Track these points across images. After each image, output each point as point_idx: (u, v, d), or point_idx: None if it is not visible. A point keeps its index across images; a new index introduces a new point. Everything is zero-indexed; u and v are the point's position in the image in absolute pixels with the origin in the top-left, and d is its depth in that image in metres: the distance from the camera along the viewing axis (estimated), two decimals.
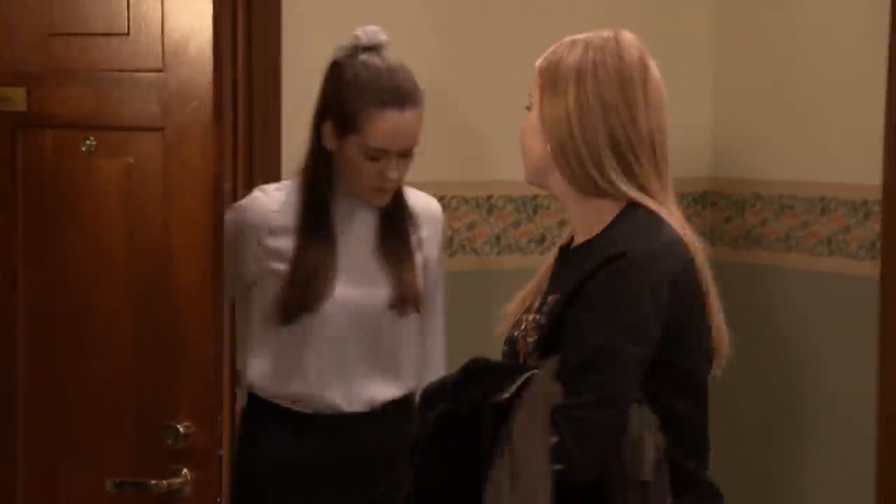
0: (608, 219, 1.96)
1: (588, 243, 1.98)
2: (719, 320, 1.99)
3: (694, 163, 3.68)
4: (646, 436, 1.87)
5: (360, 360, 2.48)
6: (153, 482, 2.32)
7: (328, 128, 2.40)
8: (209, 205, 2.32)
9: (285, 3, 3.08)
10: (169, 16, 2.34)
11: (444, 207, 3.40)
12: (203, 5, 2.30)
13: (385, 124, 2.35)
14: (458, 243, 3.44)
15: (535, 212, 3.53)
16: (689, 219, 3.65)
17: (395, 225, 2.50)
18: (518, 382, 1.91)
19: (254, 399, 2.56)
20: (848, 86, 3.29)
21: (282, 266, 2.44)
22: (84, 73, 2.42)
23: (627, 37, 2.01)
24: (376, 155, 2.36)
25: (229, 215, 2.43)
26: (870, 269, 3.22)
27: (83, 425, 2.47)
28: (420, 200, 2.59)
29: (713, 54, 3.66)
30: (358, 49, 2.39)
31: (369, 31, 2.39)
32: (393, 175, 2.38)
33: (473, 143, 3.45)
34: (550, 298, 1.97)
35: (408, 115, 2.37)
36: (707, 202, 3.71)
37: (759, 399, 3.48)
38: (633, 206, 1.95)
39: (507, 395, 1.89)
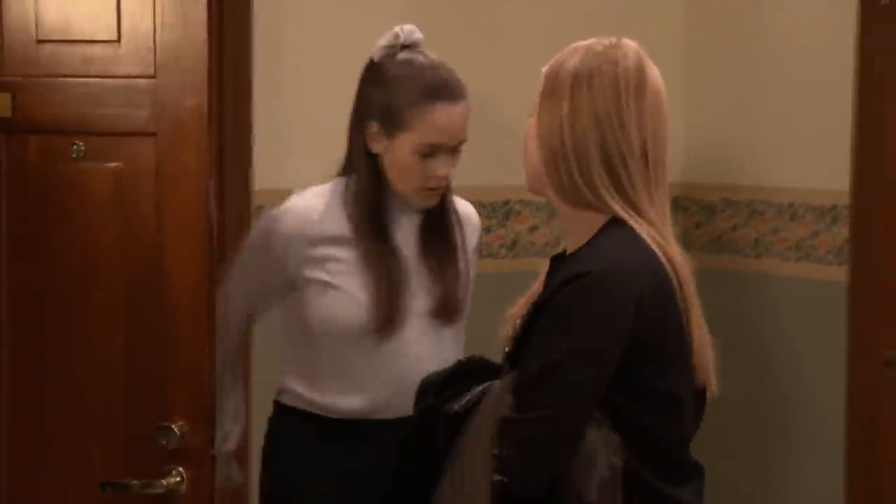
0: (592, 232, 1.93)
1: (570, 256, 1.96)
2: (701, 338, 1.93)
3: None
4: (598, 456, 1.84)
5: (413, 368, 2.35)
6: (148, 482, 2.34)
7: (373, 130, 2.31)
8: (203, 207, 2.33)
9: (256, 5, 3.08)
10: (161, 24, 2.38)
11: None
12: (196, 13, 2.34)
13: (438, 118, 2.29)
14: None
15: (506, 217, 3.54)
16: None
17: (440, 229, 2.42)
18: (475, 392, 1.91)
19: (287, 410, 2.42)
20: (816, 93, 3.31)
21: (325, 276, 2.32)
22: (72, 79, 2.44)
23: (628, 43, 1.98)
24: (430, 151, 2.29)
25: (263, 225, 2.40)
26: (838, 273, 3.24)
27: (74, 428, 2.47)
28: (461, 205, 2.52)
29: (683, 61, 3.68)
30: (397, 47, 2.32)
31: (407, 30, 2.33)
32: (443, 172, 2.32)
33: None
34: (530, 308, 1.95)
35: (459, 108, 2.32)
36: (678, 207, 3.73)
37: (728, 401, 3.48)
38: (615, 221, 1.91)
39: (461, 404, 1.91)
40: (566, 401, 1.84)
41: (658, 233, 1.91)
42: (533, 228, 3.58)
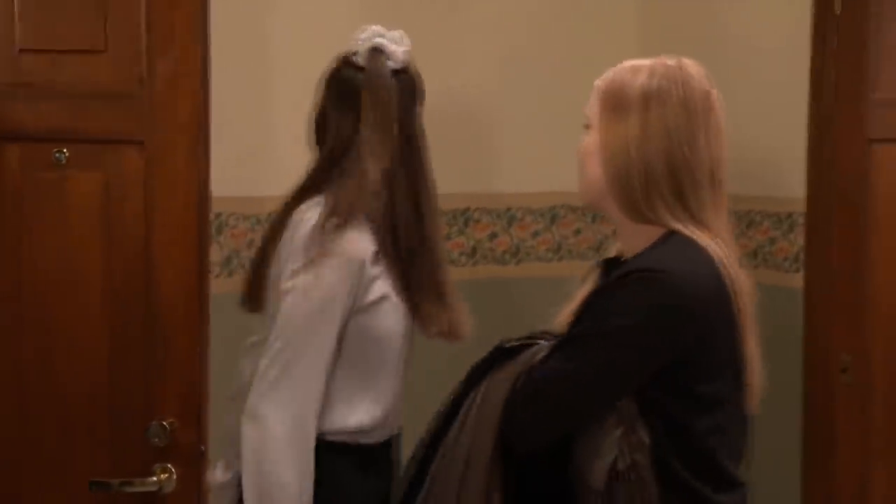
0: (652, 239, 1.94)
1: (629, 259, 1.97)
2: (753, 353, 1.95)
3: None
4: (607, 446, 1.87)
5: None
6: (139, 480, 2.37)
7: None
8: (194, 211, 2.38)
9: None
10: (151, 33, 2.43)
11: None
12: (184, 22, 2.40)
13: None
14: None
15: (466, 224, 3.55)
16: (611, 232, 3.74)
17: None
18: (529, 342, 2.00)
19: (337, 448, 2.27)
20: (772, 101, 3.34)
21: (385, 288, 2.25)
22: (57, 87, 2.47)
23: (691, 64, 1.99)
24: None
25: (342, 259, 2.19)
26: (795, 280, 3.27)
27: (58, 429, 2.50)
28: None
29: None
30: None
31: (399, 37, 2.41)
32: None
33: None
34: (586, 297, 1.98)
35: None
36: None
37: None
38: (675, 232, 1.93)
39: (514, 342, 2.00)
40: (589, 370, 1.88)
41: (719, 247, 1.92)
42: (493, 236, 3.60)
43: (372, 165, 2.23)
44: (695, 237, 1.92)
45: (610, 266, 2.04)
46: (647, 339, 1.86)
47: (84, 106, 2.47)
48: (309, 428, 2.17)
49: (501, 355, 2.01)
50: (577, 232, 3.71)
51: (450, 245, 3.52)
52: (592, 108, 2.01)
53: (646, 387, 1.88)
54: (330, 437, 2.24)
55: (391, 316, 2.26)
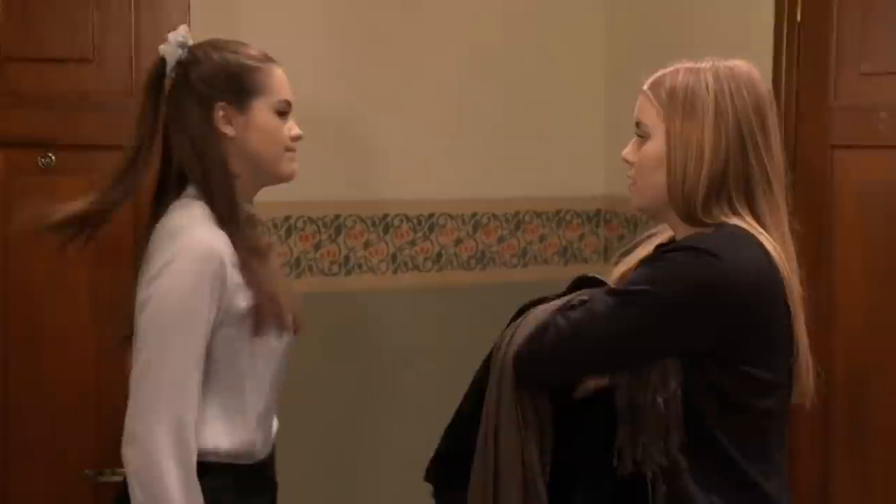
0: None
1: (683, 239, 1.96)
2: (804, 347, 1.94)
3: (588, 181, 3.73)
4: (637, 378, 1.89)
5: (276, 391, 2.29)
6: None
7: (223, 112, 2.17)
8: None
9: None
10: (139, 44, 2.59)
11: (341, 227, 3.41)
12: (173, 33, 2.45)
13: (278, 77, 2.22)
14: (354, 262, 3.44)
15: (431, 230, 3.55)
16: (582, 236, 3.77)
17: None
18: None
19: (213, 468, 2.15)
20: None
21: (243, 302, 2.14)
22: (43, 95, 2.58)
23: (743, 64, 1.96)
24: (284, 109, 2.22)
25: (198, 254, 2.08)
26: None
27: (44, 423, 2.64)
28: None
29: (604, 76, 3.72)
30: (187, 43, 2.21)
31: (183, 29, 2.22)
32: (298, 130, 2.25)
33: (369, 163, 3.46)
34: (637, 263, 1.99)
35: (281, 70, 2.26)
36: (601, 220, 3.77)
37: None
38: (727, 224, 1.91)
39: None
40: (609, 324, 1.87)
41: (774, 240, 1.91)
42: (457, 241, 3.60)
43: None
44: (750, 228, 1.90)
45: (657, 250, 2.03)
46: (682, 311, 1.84)
47: (70, 113, 2.59)
48: (191, 440, 2.07)
49: (566, 290, 2.02)
50: (542, 238, 3.72)
51: (415, 251, 3.52)
52: (648, 114, 1.96)
53: (702, 368, 1.87)
54: (204, 458, 2.12)
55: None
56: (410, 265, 3.52)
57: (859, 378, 3.03)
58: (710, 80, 1.91)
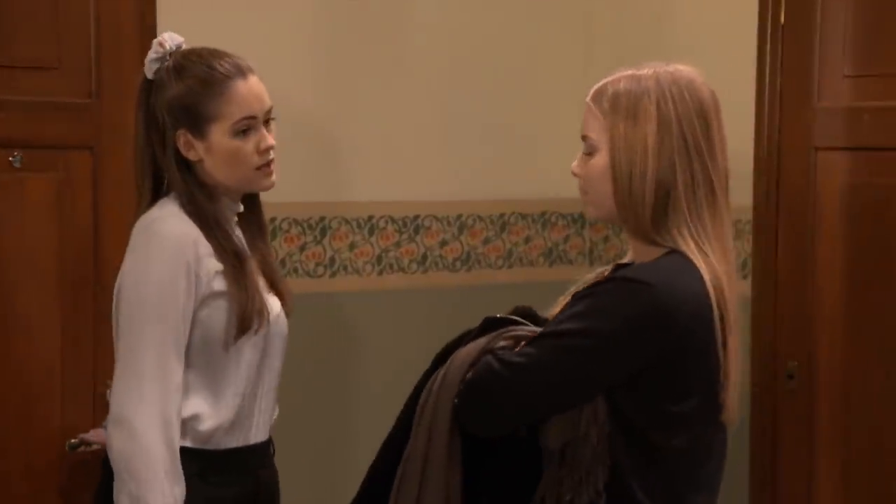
0: (653, 256, 1.89)
1: (630, 266, 1.93)
2: (731, 368, 1.89)
3: (573, 183, 3.73)
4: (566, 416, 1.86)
5: (276, 378, 2.33)
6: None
7: (184, 138, 2.21)
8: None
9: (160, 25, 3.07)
10: (99, 51, 2.90)
11: (326, 228, 3.41)
12: (130, 44, 2.89)
13: (239, 95, 2.20)
14: (339, 263, 3.44)
15: (416, 232, 3.55)
16: (567, 238, 3.77)
17: (259, 225, 2.36)
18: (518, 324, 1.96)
19: (193, 455, 2.19)
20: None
21: (223, 286, 2.19)
22: (13, 99, 2.83)
23: (688, 69, 1.93)
24: (246, 126, 2.20)
25: (170, 242, 2.15)
26: (742, 287, 3.29)
27: (15, 400, 2.87)
28: None
29: (587, 78, 3.72)
30: (166, 56, 2.23)
31: (168, 36, 2.24)
32: (270, 141, 2.23)
33: (355, 165, 3.46)
34: (574, 294, 1.94)
35: (253, 80, 2.22)
36: (586, 222, 3.78)
37: None
38: (676, 251, 1.87)
39: (501, 315, 1.97)
40: (552, 367, 1.84)
41: (716, 264, 1.87)
42: (443, 243, 3.60)
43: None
44: (693, 257, 1.86)
45: (618, 269, 2.00)
46: (619, 346, 1.82)
47: (38, 115, 2.85)
48: (175, 422, 2.12)
49: (482, 325, 1.98)
50: (527, 240, 3.73)
51: (400, 252, 3.52)
52: (593, 127, 1.92)
53: (616, 397, 1.85)
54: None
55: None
56: (396, 267, 3.52)
57: (841, 376, 3.04)
58: (652, 85, 1.88)
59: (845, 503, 3.04)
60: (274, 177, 2.27)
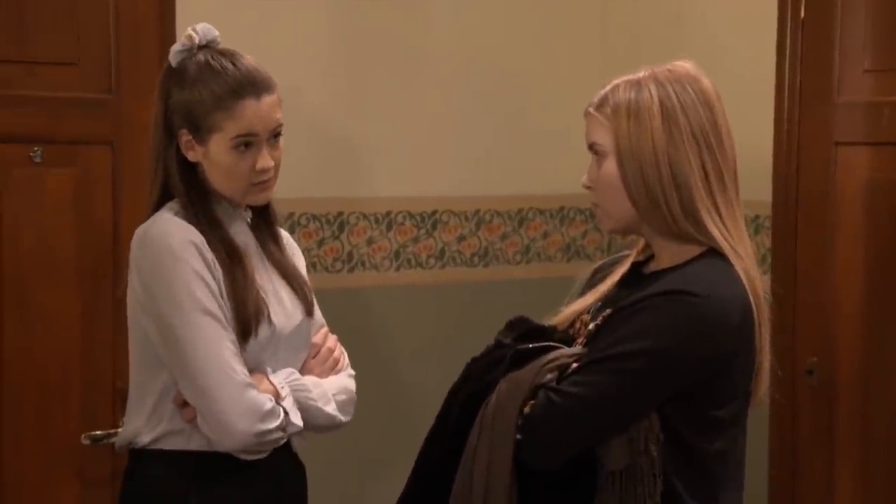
0: (688, 256, 1.91)
1: (663, 272, 1.93)
2: (765, 364, 1.93)
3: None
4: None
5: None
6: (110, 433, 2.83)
7: (185, 138, 2.20)
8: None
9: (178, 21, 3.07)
10: (120, 47, 2.92)
11: (344, 224, 3.42)
12: (149, 41, 2.93)
13: (246, 114, 2.17)
14: (357, 259, 3.44)
15: (434, 227, 3.55)
16: (585, 233, 3.77)
17: (270, 231, 2.34)
18: (545, 346, 1.92)
19: (213, 458, 2.19)
20: (737, 104, 3.34)
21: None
22: (32, 95, 2.87)
23: (684, 64, 1.95)
24: (246, 142, 2.17)
25: (178, 239, 2.15)
26: (763, 283, 3.28)
27: (33, 394, 2.89)
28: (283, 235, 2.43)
29: (604, 73, 3.72)
30: (193, 49, 2.20)
31: (201, 28, 2.21)
32: (266, 163, 2.19)
33: (373, 161, 3.46)
34: (608, 311, 1.93)
35: (266, 101, 2.18)
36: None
37: None
38: (712, 250, 1.89)
39: (531, 346, 1.92)
40: (616, 392, 1.83)
41: (746, 262, 1.90)
42: (460, 239, 3.60)
43: None
44: (729, 256, 1.88)
45: (637, 268, 2.00)
46: (676, 362, 1.82)
47: (58, 111, 2.88)
48: (257, 397, 2.15)
49: (513, 357, 1.93)
50: (545, 235, 3.72)
51: (418, 248, 3.52)
52: (598, 133, 1.94)
53: (665, 408, 1.85)
54: (155, 446, 2.20)
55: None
56: (413, 262, 3.52)
57: (861, 372, 3.03)
58: (652, 86, 1.90)
59: (865, 499, 3.03)
60: (269, 192, 2.25)
